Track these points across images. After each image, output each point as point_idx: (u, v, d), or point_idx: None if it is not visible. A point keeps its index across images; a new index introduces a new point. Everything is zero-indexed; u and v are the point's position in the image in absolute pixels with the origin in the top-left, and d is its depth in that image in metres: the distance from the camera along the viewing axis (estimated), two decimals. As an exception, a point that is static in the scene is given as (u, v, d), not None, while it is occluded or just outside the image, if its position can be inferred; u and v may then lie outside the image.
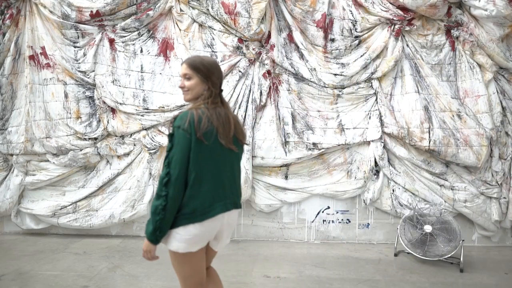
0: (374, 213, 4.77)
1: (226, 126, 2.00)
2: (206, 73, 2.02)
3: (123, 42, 4.60)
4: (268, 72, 4.63)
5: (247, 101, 4.61)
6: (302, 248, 4.52)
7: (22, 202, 4.72)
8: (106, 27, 4.58)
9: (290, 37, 4.70)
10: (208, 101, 1.99)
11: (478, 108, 4.58)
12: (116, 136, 4.65)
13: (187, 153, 1.88)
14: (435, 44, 4.65)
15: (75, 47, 4.57)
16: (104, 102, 4.58)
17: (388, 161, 4.65)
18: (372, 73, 4.64)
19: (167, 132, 4.55)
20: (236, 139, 2.11)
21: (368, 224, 4.79)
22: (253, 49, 4.60)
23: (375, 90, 4.66)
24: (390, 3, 4.57)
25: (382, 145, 4.61)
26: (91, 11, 4.44)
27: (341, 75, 4.61)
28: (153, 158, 4.62)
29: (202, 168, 1.92)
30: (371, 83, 4.66)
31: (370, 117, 4.68)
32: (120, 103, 4.56)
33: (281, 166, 4.68)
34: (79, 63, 4.57)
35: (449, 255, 3.89)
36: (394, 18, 4.56)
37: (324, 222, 4.80)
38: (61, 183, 4.69)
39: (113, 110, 4.63)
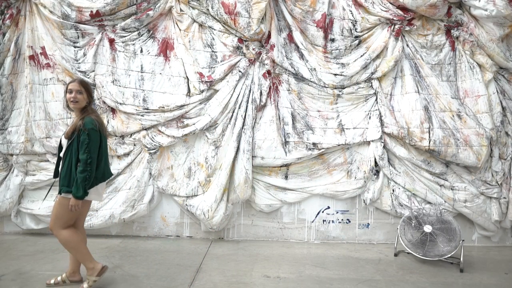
0: (374, 213, 4.78)
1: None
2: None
3: (123, 42, 4.60)
4: (268, 72, 4.63)
5: (247, 101, 4.62)
6: (302, 248, 4.52)
7: (22, 202, 4.72)
8: (106, 27, 4.58)
9: (290, 37, 4.70)
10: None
11: (478, 108, 4.58)
12: (116, 136, 4.65)
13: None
14: (435, 44, 4.66)
15: (75, 47, 4.57)
16: (104, 102, 4.58)
17: (388, 161, 4.66)
18: (372, 73, 4.64)
19: (167, 132, 4.57)
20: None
21: (368, 224, 4.79)
22: (253, 49, 4.60)
23: (375, 90, 4.66)
24: (390, 3, 4.57)
25: (382, 145, 4.61)
26: (91, 11, 4.44)
27: (341, 75, 4.61)
28: (153, 158, 4.62)
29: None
30: (371, 83, 4.66)
31: (370, 117, 4.68)
32: (120, 103, 4.56)
33: (281, 166, 4.68)
34: (79, 63, 4.57)
35: (449, 255, 3.89)
36: (394, 18, 4.56)
37: (324, 222, 4.80)
38: (61, 183, 4.69)
39: (113, 110, 4.63)
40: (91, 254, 3.24)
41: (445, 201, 4.57)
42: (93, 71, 4.58)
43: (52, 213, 3.15)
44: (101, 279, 3.25)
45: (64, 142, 3.13)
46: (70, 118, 4.58)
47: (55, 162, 3.35)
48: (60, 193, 3.08)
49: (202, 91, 4.59)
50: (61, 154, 3.14)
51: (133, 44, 4.62)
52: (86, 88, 3.15)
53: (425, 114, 4.54)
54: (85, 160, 2.97)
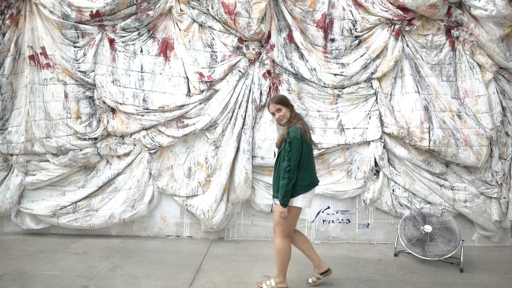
0: (374, 213, 4.78)
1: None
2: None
3: (123, 42, 4.60)
4: (268, 72, 4.63)
5: (247, 101, 4.62)
6: (302, 248, 4.52)
7: (22, 202, 4.72)
8: (106, 27, 4.58)
9: (290, 37, 4.70)
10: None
11: (478, 108, 4.58)
12: (116, 136, 4.65)
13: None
14: (435, 44, 4.66)
15: (75, 47, 4.56)
16: (104, 102, 4.58)
17: (388, 161, 4.66)
18: (372, 73, 4.64)
19: (167, 132, 4.57)
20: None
21: (368, 224, 4.79)
22: (253, 49, 4.60)
23: (375, 90, 4.66)
24: (390, 3, 4.57)
25: (382, 145, 4.61)
26: (91, 11, 4.44)
27: (341, 75, 4.61)
28: (153, 158, 4.62)
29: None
30: (371, 83, 4.66)
31: (370, 117, 4.68)
32: (120, 103, 4.56)
33: (281, 166, 4.67)
34: (79, 63, 4.56)
35: (449, 255, 3.89)
36: (394, 18, 4.56)
37: (324, 222, 4.80)
38: (61, 183, 4.69)
39: (113, 110, 4.63)
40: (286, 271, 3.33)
41: (445, 201, 4.57)
42: (93, 71, 4.58)
43: (274, 216, 3.31)
44: None
45: (276, 151, 3.31)
46: (70, 118, 4.58)
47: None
48: (274, 197, 3.32)
49: (202, 91, 4.59)
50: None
51: (133, 44, 4.62)
52: (281, 102, 3.26)
53: (425, 114, 4.54)
54: (284, 167, 3.09)
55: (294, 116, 3.27)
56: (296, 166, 3.12)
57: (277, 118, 3.27)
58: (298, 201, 3.19)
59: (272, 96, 3.43)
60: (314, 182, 3.31)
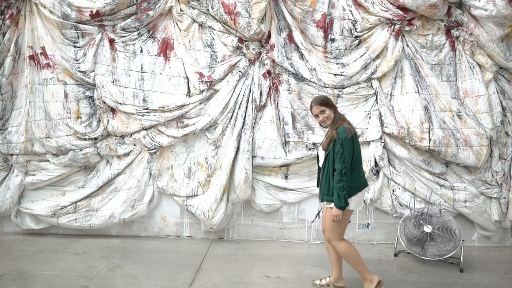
0: (374, 213, 4.78)
1: None
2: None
3: (123, 42, 4.60)
4: (268, 72, 4.63)
5: (247, 101, 4.61)
6: (302, 248, 4.52)
7: (22, 202, 4.72)
8: (106, 27, 4.58)
9: (290, 37, 4.70)
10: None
11: (478, 108, 4.58)
12: (116, 136, 4.65)
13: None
14: (435, 44, 4.66)
15: (75, 47, 4.56)
16: (104, 102, 4.58)
17: (388, 161, 4.65)
18: (372, 73, 4.64)
19: (167, 132, 4.57)
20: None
21: (368, 224, 4.79)
22: (253, 49, 4.60)
23: (375, 90, 4.66)
24: (390, 3, 4.57)
25: (382, 145, 4.61)
26: (91, 11, 4.44)
27: (341, 75, 4.61)
28: (153, 158, 4.62)
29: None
30: (371, 83, 4.66)
31: (370, 117, 4.68)
32: (120, 103, 4.56)
33: (281, 166, 4.68)
34: (79, 63, 4.56)
35: (449, 255, 3.89)
36: (394, 18, 4.56)
37: (324, 222, 4.79)
38: (61, 183, 4.69)
39: (113, 110, 4.63)
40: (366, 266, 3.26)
41: (445, 201, 4.57)
42: (93, 71, 4.58)
43: (324, 224, 3.28)
44: None
45: (321, 153, 3.25)
46: (70, 118, 4.58)
47: (317, 172, 3.44)
48: (322, 200, 3.26)
49: (202, 91, 4.59)
50: (320, 164, 3.29)
51: (133, 44, 4.62)
52: (325, 104, 3.22)
53: (425, 114, 4.54)
54: (340, 169, 3.03)
55: (338, 117, 3.22)
56: (350, 167, 3.07)
57: (321, 120, 3.23)
58: (351, 203, 3.12)
59: (314, 98, 3.38)
60: (365, 183, 3.25)
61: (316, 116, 3.27)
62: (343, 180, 3.02)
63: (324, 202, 3.23)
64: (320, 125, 3.34)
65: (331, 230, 3.18)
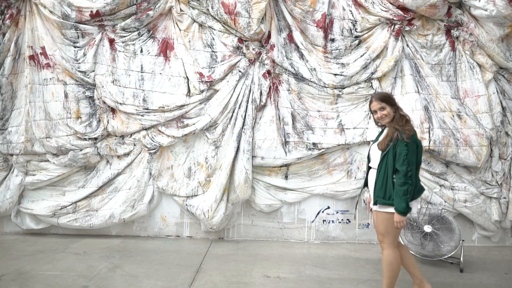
0: (374, 213, 4.77)
1: None
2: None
3: (123, 42, 4.60)
4: (268, 72, 4.63)
5: (247, 101, 4.61)
6: (302, 248, 4.52)
7: (22, 202, 4.72)
8: (106, 27, 4.58)
9: (290, 37, 4.70)
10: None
11: (478, 108, 4.58)
12: (116, 136, 4.65)
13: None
14: (435, 44, 4.66)
15: (75, 47, 4.56)
16: (104, 102, 4.58)
17: (388, 161, 4.65)
18: (372, 73, 4.64)
19: (167, 132, 4.57)
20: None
21: (368, 224, 4.79)
22: (253, 49, 4.60)
23: (375, 90, 4.65)
24: (390, 3, 4.57)
25: (382, 145, 4.60)
26: (91, 11, 4.44)
27: (341, 75, 4.61)
28: (153, 158, 4.62)
29: None
30: (371, 83, 4.66)
31: (370, 117, 4.67)
32: (120, 103, 4.56)
33: (281, 166, 4.68)
34: (79, 63, 4.56)
35: (449, 255, 3.89)
36: (394, 18, 4.56)
37: (324, 222, 4.80)
38: (61, 183, 4.69)
39: (113, 110, 4.63)
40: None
41: (445, 201, 4.57)
42: (93, 71, 4.58)
43: (376, 226, 3.04)
44: None
45: (375, 153, 3.04)
46: (70, 118, 4.58)
47: (365, 171, 3.26)
48: (375, 203, 2.97)
49: (202, 91, 4.59)
50: (371, 165, 3.09)
51: (133, 44, 4.62)
52: (386, 100, 3.02)
53: (425, 114, 4.54)
54: (405, 172, 2.82)
55: (400, 117, 2.99)
56: (415, 170, 2.89)
57: (379, 116, 3.01)
58: (412, 207, 2.93)
59: (375, 93, 3.18)
60: (422, 188, 3.09)
61: (374, 112, 3.05)
62: (407, 183, 2.81)
63: (377, 205, 2.96)
64: (376, 122, 3.15)
65: (386, 234, 2.95)
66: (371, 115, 3.18)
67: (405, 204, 2.80)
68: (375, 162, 3.03)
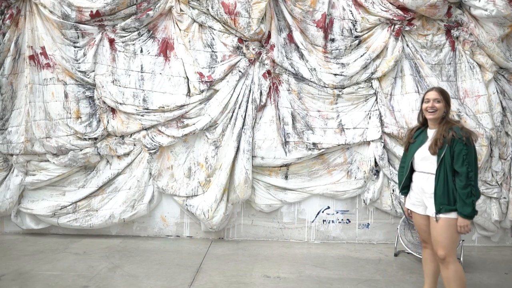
0: (374, 213, 4.78)
1: None
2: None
3: (123, 42, 4.60)
4: (268, 72, 4.63)
5: (247, 101, 4.61)
6: (302, 248, 4.52)
7: (22, 202, 4.72)
8: (106, 27, 4.58)
9: (290, 37, 4.70)
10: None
11: (478, 108, 4.58)
12: (116, 136, 4.65)
13: None
14: (435, 44, 4.66)
15: (75, 47, 4.56)
16: (104, 102, 4.58)
17: (388, 161, 4.65)
18: (372, 73, 4.64)
19: (167, 132, 4.57)
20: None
21: (368, 224, 4.79)
22: (253, 49, 4.60)
23: (375, 90, 4.66)
24: (390, 3, 4.57)
25: (382, 145, 4.61)
26: (91, 11, 4.44)
27: (341, 75, 4.61)
28: (153, 158, 4.62)
29: None
30: (371, 83, 4.67)
31: (370, 117, 4.68)
32: (120, 103, 4.56)
33: (281, 166, 4.68)
34: (79, 63, 4.56)
35: (449, 255, 3.88)
36: (394, 18, 4.56)
37: (324, 222, 4.80)
38: (61, 183, 4.69)
39: (113, 110, 4.63)
40: None
41: (445, 201, 4.57)
42: (93, 71, 4.58)
43: (436, 236, 2.76)
44: None
45: (422, 156, 2.85)
46: (70, 118, 4.58)
47: (403, 174, 3.02)
48: (439, 212, 2.73)
49: (202, 91, 4.59)
50: (416, 168, 2.91)
51: (133, 44, 4.62)
52: (444, 96, 2.87)
53: (425, 114, 4.53)
54: (466, 173, 2.65)
55: (449, 119, 2.87)
56: (477, 171, 2.72)
57: (430, 106, 2.84)
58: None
59: (437, 86, 3.14)
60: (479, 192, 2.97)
61: (427, 100, 2.88)
62: (470, 184, 2.64)
63: (434, 214, 2.76)
64: (423, 113, 2.95)
65: (451, 242, 2.73)
66: (421, 105, 2.97)
67: (471, 207, 2.64)
68: (421, 166, 2.87)
